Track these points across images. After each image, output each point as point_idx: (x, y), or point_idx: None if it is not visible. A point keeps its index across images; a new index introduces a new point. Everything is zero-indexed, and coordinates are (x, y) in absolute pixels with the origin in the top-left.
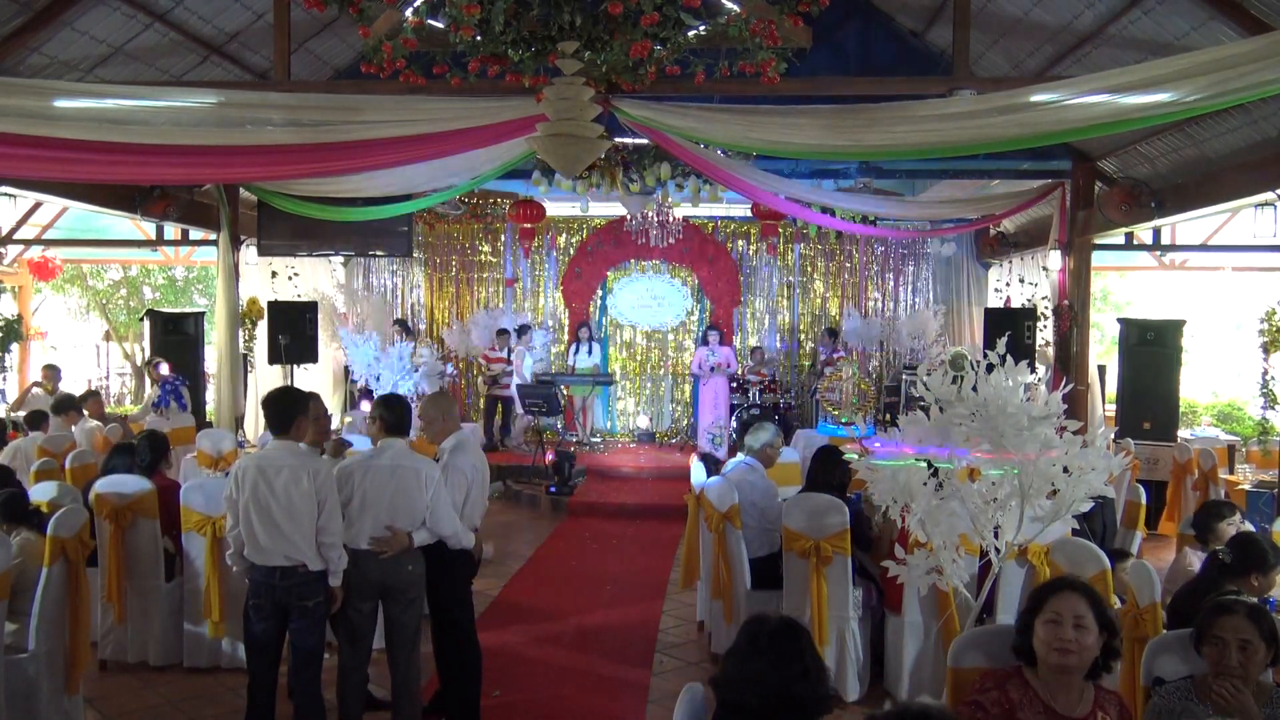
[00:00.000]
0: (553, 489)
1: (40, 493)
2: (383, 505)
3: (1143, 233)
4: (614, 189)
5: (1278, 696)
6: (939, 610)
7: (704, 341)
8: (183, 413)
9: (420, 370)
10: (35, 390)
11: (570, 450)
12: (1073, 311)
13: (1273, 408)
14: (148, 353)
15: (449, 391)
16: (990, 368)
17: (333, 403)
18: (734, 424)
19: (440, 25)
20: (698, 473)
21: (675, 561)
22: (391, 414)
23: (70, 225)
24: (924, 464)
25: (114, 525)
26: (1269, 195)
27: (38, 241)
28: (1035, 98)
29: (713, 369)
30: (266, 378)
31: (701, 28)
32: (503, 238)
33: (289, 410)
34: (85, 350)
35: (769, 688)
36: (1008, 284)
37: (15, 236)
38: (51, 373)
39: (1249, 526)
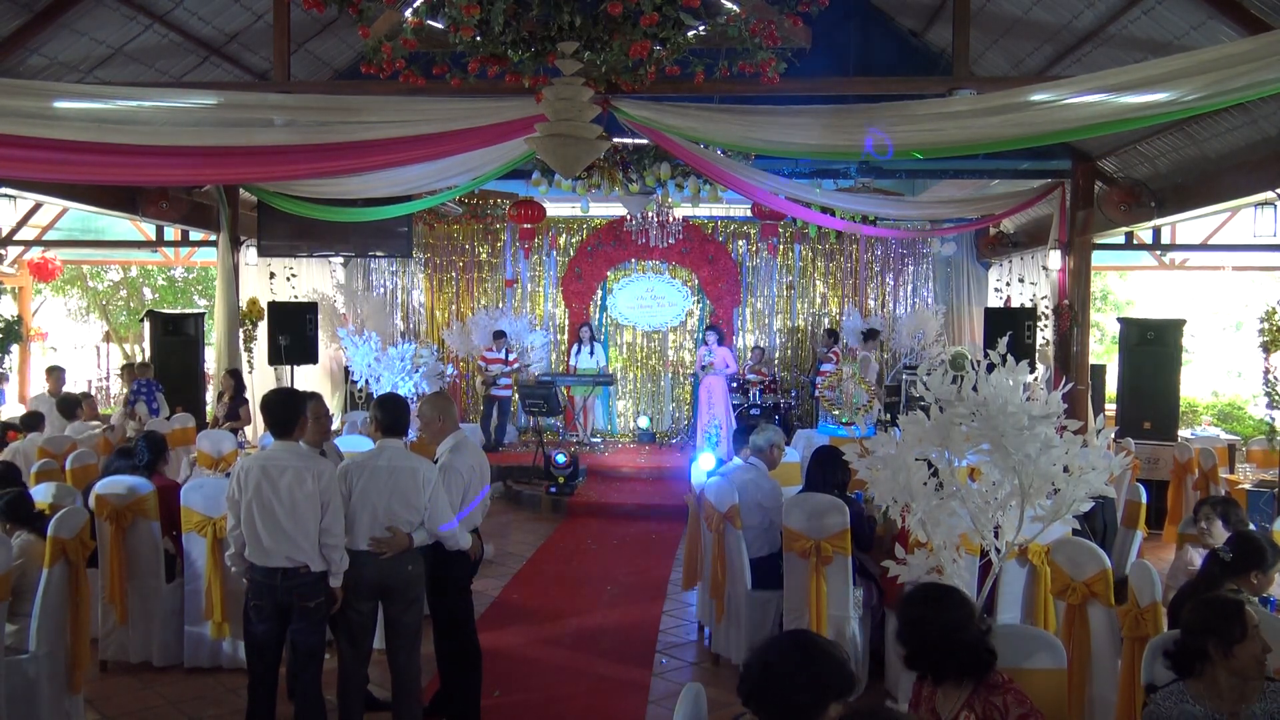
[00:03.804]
0: (552, 489)
1: (40, 494)
2: (380, 505)
3: (1143, 232)
4: (614, 189)
5: (1271, 690)
6: None
7: (703, 341)
8: (153, 416)
9: (420, 371)
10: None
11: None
12: (1073, 311)
13: (1278, 408)
14: (148, 354)
15: (447, 392)
16: (990, 367)
17: (332, 403)
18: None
19: (440, 26)
20: (698, 473)
21: (676, 562)
22: (385, 414)
23: (70, 226)
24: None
25: (114, 526)
26: (1269, 195)
27: (38, 242)
28: (1035, 97)
29: (704, 368)
30: (264, 378)
31: (701, 28)
32: (503, 238)
33: (291, 412)
34: (86, 351)
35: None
36: (1008, 284)
37: (15, 237)
38: (55, 374)
39: (1219, 525)
